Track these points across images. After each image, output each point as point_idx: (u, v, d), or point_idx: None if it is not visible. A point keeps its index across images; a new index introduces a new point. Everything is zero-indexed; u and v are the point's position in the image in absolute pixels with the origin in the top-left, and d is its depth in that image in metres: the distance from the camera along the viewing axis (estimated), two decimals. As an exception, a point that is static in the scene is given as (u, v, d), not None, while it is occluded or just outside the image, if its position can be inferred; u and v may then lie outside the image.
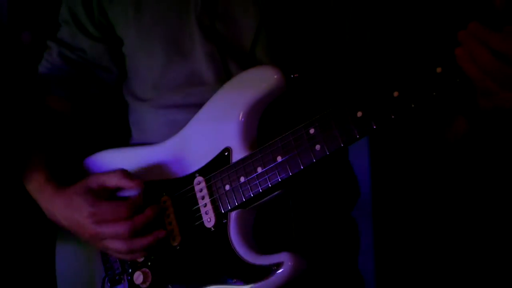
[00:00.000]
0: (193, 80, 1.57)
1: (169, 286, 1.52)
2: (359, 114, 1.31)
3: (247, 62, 1.53)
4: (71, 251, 1.70)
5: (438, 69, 1.21)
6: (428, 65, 1.22)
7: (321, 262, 1.58)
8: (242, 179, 1.44)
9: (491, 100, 1.18)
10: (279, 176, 1.40)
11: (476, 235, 2.35)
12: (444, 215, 2.45)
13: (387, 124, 1.28)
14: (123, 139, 1.79)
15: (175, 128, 1.58)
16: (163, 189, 1.56)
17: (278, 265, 1.38)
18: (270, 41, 1.52)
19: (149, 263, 1.55)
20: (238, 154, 1.46)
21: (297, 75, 1.46)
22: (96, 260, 1.64)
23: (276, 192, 1.44)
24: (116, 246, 1.49)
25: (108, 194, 1.53)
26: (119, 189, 1.54)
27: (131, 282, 1.57)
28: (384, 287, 2.66)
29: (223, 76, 1.54)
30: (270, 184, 1.41)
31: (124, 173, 1.51)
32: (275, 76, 1.43)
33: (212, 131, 1.51)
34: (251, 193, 1.43)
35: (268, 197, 1.44)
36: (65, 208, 1.51)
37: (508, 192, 2.28)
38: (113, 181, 1.50)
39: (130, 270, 1.58)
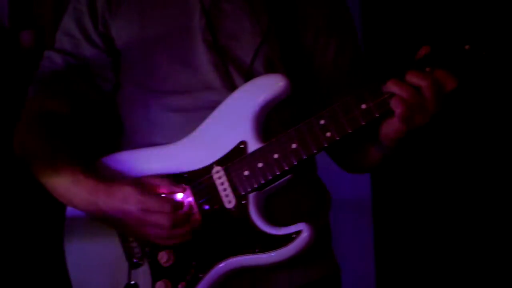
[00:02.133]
0: (200, 86, 1.85)
1: (193, 262, 1.76)
2: (364, 106, 1.67)
3: (247, 73, 1.85)
4: (84, 247, 1.87)
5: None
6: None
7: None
8: (260, 165, 1.74)
9: (407, 125, 1.63)
10: (295, 160, 1.71)
11: (475, 235, 2.51)
12: (444, 215, 2.61)
13: (385, 114, 1.66)
14: (116, 143, 1.99)
15: (183, 128, 1.84)
16: (183, 180, 1.80)
17: (298, 233, 1.69)
18: (268, 57, 1.85)
19: (170, 243, 1.78)
20: (252, 146, 1.77)
21: (297, 82, 1.80)
22: (114, 246, 1.82)
23: (287, 176, 1.75)
24: (157, 232, 1.72)
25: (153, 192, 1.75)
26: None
27: (153, 263, 1.78)
28: (384, 287, 2.83)
29: (227, 81, 1.84)
30: (287, 167, 1.72)
31: (172, 182, 1.77)
32: (283, 82, 1.77)
33: (226, 128, 1.80)
34: (269, 176, 1.73)
35: (281, 180, 1.75)
36: (110, 197, 1.71)
37: (507, 193, 2.45)
38: (164, 188, 1.76)
39: (150, 253, 1.79)
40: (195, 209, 1.78)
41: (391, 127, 1.69)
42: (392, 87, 1.64)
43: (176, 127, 1.86)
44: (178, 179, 1.81)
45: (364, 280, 2.92)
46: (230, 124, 1.80)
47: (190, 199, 1.79)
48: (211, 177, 1.79)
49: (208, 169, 1.80)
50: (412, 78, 1.63)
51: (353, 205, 3.04)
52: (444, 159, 2.62)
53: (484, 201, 2.56)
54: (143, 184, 1.75)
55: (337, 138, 1.71)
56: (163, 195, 1.75)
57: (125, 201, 1.72)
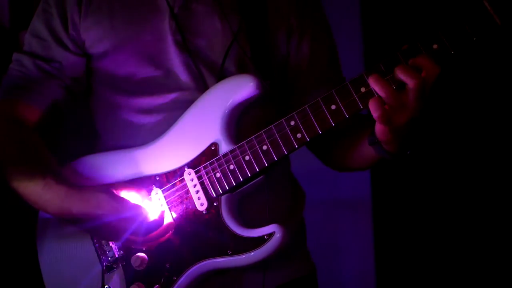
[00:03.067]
0: (171, 86, 1.83)
1: (167, 265, 1.76)
2: (333, 107, 1.66)
3: (218, 72, 1.83)
4: (57, 249, 1.86)
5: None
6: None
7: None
8: (231, 167, 1.73)
9: (389, 126, 1.58)
10: (266, 161, 1.71)
11: (475, 234, 2.49)
12: (444, 215, 2.59)
13: (355, 112, 1.65)
14: (90, 146, 1.97)
15: (156, 129, 1.82)
16: (154, 182, 1.79)
17: (270, 235, 1.69)
18: (240, 57, 1.83)
19: (144, 248, 1.77)
20: (224, 147, 1.75)
21: (269, 81, 1.79)
22: (87, 249, 1.82)
23: (259, 178, 1.75)
24: (131, 238, 1.71)
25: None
26: None
27: (126, 267, 1.78)
28: (384, 287, 2.80)
29: (199, 81, 1.82)
30: (258, 169, 1.71)
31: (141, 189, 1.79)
32: (253, 82, 1.75)
33: (198, 129, 1.79)
34: (240, 178, 1.72)
35: (252, 182, 1.74)
36: (83, 204, 1.69)
37: (507, 192, 2.41)
38: (136, 194, 1.77)
39: (124, 256, 1.78)
40: (167, 211, 1.77)
41: (376, 128, 1.64)
42: (373, 84, 1.59)
43: (147, 129, 1.85)
44: (150, 182, 1.80)
45: (364, 280, 2.91)
46: (202, 125, 1.78)
47: (162, 203, 1.78)
48: (183, 179, 1.78)
49: (180, 171, 1.79)
50: (401, 75, 1.56)
51: (353, 205, 3.03)
52: (444, 158, 2.60)
53: (483, 201, 2.54)
54: (113, 190, 1.74)
55: (307, 139, 1.70)
56: (136, 201, 1.74)
57: (99, 207, 1.70)
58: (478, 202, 2.57)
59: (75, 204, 1.70)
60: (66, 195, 1.71)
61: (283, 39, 1.89)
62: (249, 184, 1.75)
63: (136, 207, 1.71)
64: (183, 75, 1.83)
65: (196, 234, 1.76)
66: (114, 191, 1.73)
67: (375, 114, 1.58)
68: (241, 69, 1.83)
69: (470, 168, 2.58)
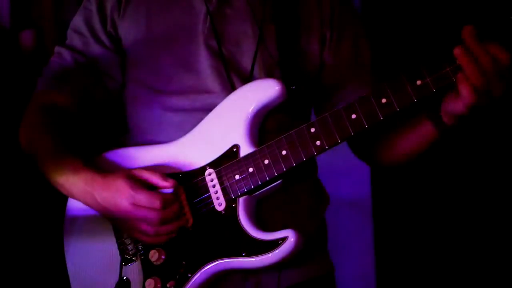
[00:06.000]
0: (199, 89, 1.87)
1: (183, 262, 1.79)
2: (353, 116, 1.66)
3: (247, 77, 1.86)
4: (82, 245, 1.91)
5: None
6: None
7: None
8: (250, 169, 1.75)
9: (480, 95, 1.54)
10: (285, 166, 1.72)
11: (475, 234, 2.51)
12: (444, 215, 2.62)
13: (376, 123, 1.64)
14: (121, 140, 2.03)
15: (181, 128, 1.86)
16: (177, 180, 1.83)
17: (284, 239, 1.70)
18: (268, 63, 1.85)
19: (163, 243, 1.81)
20: (245, 150, 1.78)
21: (294, 87, 1.80)
22: (109, 242, 1.87)
23: (277, 182, 1.76)
24: (144, 228, 1.75)
25: (146, 186, 1.77)
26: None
27: (144, 261, 1.82)
28: (384, 287, 2.83)
29: (227, 86, 1.85)
30: (276, 173, 1.73)
31: (163, 175, 1.77)
32: (278, 87, 1.77)
33: (221, 130, 1.81)
34: (259, 181, 1.74)
35: (270, 185, 1.76)
36: (104, 189, 1.74)
37: (507, 192, 2.42)
38: (155, 180, 1.76)
39: (143, 251, 1.83)
40: (186, 208, 1.81)
41: (452, 106, 1.64)
42: (460, 56, 1.55)
43: (174, 127, 1.88)
44: (174, 179, 1.83)
45: (364, 280, 2.93)
46: (225, 127, 1.81)
47: (182, 198, 1.81)
48: (204, 178, 1.81)
49: (201, 170, 1.82)
50: (491, 48, 1.54)
51: (353, 205, 3.04)
52: (443, 158, 2.59)
53: (484, 201, 2.54)
54: (135, 177, 1.77)
55: (326, 147, 1.70)
56: (154, 190, 1.77)
57: (117, 193, 1.74)
58: (478, 202, 2.55)
59: (97, 188, 1.76)
60: (91, 179, 1.77)
61: (316, 45, 1.90)
62: (267, 187, 1.77)
63: (154, 197, 1.73)
64: (212, 79, 1.86)
65: (213, 233, 1.78)
66: (135, 179, 1.76)
67: (463, 91, 1.55)
68: (269, 75, 1.85)
69: (470, 168, 2.56)
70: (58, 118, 1.93)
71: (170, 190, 1.78)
